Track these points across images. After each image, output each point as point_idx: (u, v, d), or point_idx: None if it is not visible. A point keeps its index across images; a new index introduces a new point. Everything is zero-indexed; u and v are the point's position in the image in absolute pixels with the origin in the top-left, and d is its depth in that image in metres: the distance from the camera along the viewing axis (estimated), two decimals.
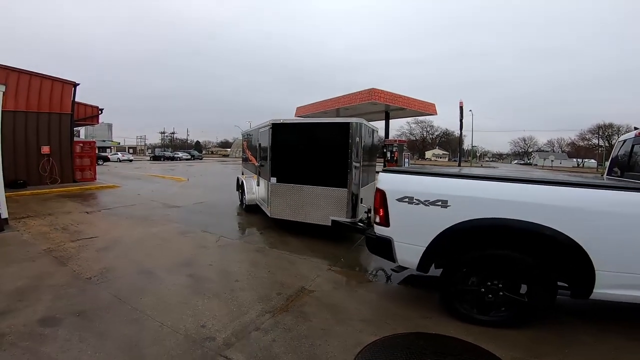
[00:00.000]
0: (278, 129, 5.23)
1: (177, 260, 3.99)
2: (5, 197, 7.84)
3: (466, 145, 50.21)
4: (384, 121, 23.75)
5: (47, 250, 4.31)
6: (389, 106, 20.90)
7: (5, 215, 5.45)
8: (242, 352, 2.18)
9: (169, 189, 11.03)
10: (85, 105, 13.82)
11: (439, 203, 2.54)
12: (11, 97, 9.11)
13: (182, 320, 2.58)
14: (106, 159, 31.63)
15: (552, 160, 54.38)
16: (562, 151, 69.59)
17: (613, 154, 4.28)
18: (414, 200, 2.64)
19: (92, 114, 14.00)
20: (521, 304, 2.50)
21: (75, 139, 15.85)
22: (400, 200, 2.71)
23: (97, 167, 13.06)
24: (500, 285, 2.55)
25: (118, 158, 35.18)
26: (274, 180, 5.31)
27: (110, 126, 73.79)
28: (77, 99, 11.19)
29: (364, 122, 4.93)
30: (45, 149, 9.84)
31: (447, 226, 2.53)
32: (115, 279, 3.40)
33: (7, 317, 2.55)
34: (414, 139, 74.65)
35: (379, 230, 2.93)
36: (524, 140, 78.18)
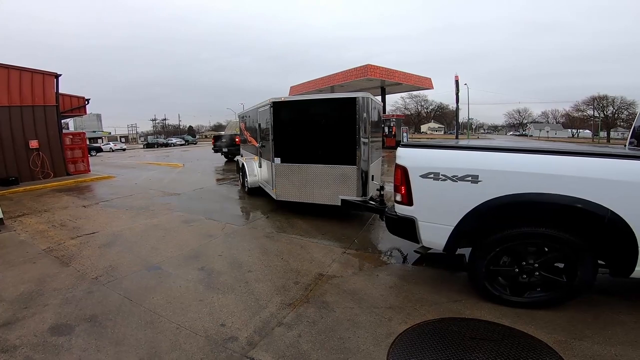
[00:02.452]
0: (279, 107, 4.92)
1: (185, 253, 3.81)
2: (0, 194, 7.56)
3: (462, 118, 49.74)
4: (380, 97, 23.17)
5: (47, 250, 4.10)
6: (384, 81, 20.35)
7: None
8: (268, 352, 2.03)
9: (165, 176, 10.73)
10: (71, 96, 13.19)
11: (469, 178, 2.33)
12: None
13: (199, 320, 2.42)
14: (99, 150, 31.08)
15: (547, 132, 54.26)
16: (557, 122, 69.58)
17: (635, 124, 4.06)
18: (440, 177, 2.43)
19: (78, 105, 13.41)
20: (560, 284, 2.36)
21: (65, 131, 15.33)
22: (424, 176, 2.50)
23: (91, 159, 12.69)
24: (537, 265, 2.39)
25: (110, 148, 34.51)
26: (278, 160, 5.07)
27: (99, 116, 71.76)
28: (62, 91, 10.66)
29: (371, 96, 4.63)
30: (34, 143, 9.43)
31: (479, 203, 2.34)
32: (123, 277, 3.22)
33: (15, 328, 2.38)
34: (409, 113, 73.72)
35: (401, 209, 2.74)
36: (519, 112, 77.97)
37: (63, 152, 10.29)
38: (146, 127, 76.16)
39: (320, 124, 4.71)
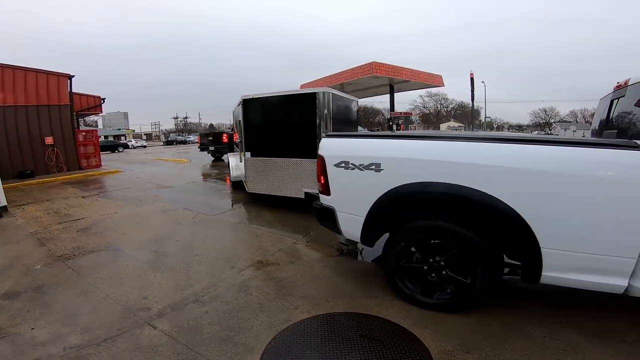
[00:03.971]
0: (248, 104, 5.17)
1: (149, 237, 4.13)
2: (13, 186, 8.32)
3: (482, 117, 48.13)
4: (389, 95, 22.96)
5: (33, 232, 4.56)
6: (392, 79, 20.13)
7: (3, 203, 5.77)
8: (169, 322, 2.25)
9: (168, 170, 11.32)
10: (87, 95, 14.18)
11: (373, 167, 2.33)
12: (9, 93, 9.44)
13: (127, 293, 2.70)
14: (126, 146, 32.64)
15: (573, 131, 51.39)
16: (586, 121, 65.66)
17: (595, 114, 3.95)
18: (350, 165, 2.46)
19: (94, 104, 14.37)
20: (464, 285, 2.20)
21: (84, 128, 16.36)
22: (337, 165, 2.57)
23: (112, 154, 13.43)
24: (442, 263, 2.26)
25: (132, 145, 36.20)
26: (248, 155, 5.33)
27: (126, 115, 75.54)
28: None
29: (334, 91, 4.78)
30: (49, 140, 10.23)
31: (382, 192, 2.29)
32: (83, 255, 3.58)
33: None
34: (428, 112, 72.20)
35: (323, 199, 2.82)
36: (545, 111, 74.12)
37: (76, 148, 11.07)
38: (169, 124, 79.32)
39: (284, 119, 4.92)
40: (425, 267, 2.32)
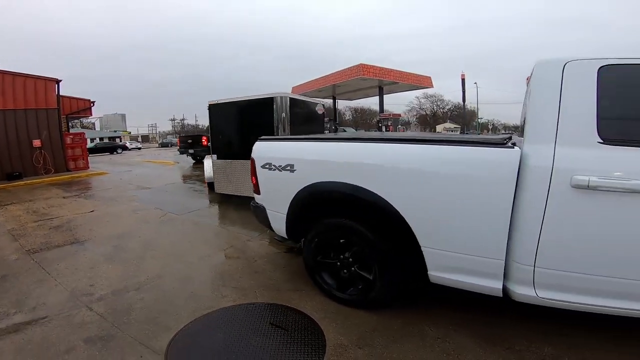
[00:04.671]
0: (213, 108, 5.49)
1: (113, 234, 4.44)
2: (1, 188, 8.61)
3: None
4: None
5: (10, 229, 4.87)
6: (381, 81, 20.46)
7: None
8: (106, 305, 2.54)
9: (152, 172, 11.63)
10: (78, 99, 14.47)
11: (288, 167, 2.55)
12: None
13: (77, 281, 3.00)
14: (125, 148, 33.13)
15: None
16: None
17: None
18: (272, 167, 2.71)
19: (84, 107, 14.66)
20: (369, 282, 2.26)
21: (74, 130, 16.66)
22: (263, 167, 2.83)
23: (108, 157, 13.62)
24: (351, 260, 2.35)
25: (128, 147, 36.59)
26: (214, 157, 5.64)
27: (123, 116, 75.98)
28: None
29: (292, 95, 5.10)
30: (37, 143, 10.54)
31: (296, 191, 2.48)
32: (48, 250, 3.88)
33: None
34: (424, 113, 72.62)
35: (256, 198, 3.09)
36: None
37: (64, 150, 11.39)
38: (166, 126, 79.70)
39: (246, 123, 5.24)
40: (339, 264, 2.45)
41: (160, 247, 3.94)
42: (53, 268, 3.32)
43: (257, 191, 3.03)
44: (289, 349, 1.89)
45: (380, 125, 21.55)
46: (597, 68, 1.67)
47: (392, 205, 2.01)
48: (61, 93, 11.58)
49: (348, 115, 65.95)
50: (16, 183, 9.34)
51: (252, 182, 3.08)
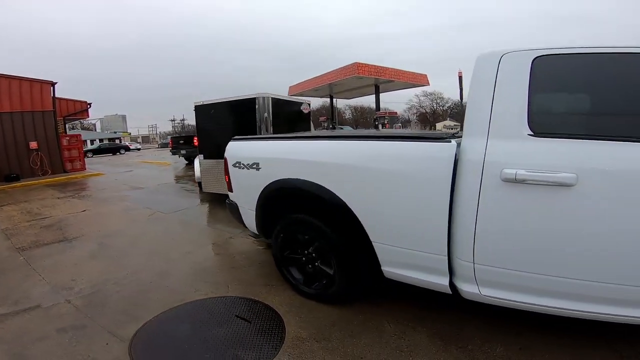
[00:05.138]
0: (199, 109, 5.63)
1: (101, 233, 4.59)
2: None
3: None
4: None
5: (3, 229, 5.02)
6: (377, 79, 20.48)
7: None
8: (83, 298, 2.68)
9: (147, 173, 11.80)
10: (74, 101, 14.64)
11: (255, 166, 2.66)
12: None
13: (60, 276, 3.15)
14: (127, 149, 33.71)
15: None
16: None
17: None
18: (241, 165, 2.81)
19: (81, 109, 14.84)
20: (331, 277, 2.30)
21: (75, 132, 16.82)
22: (234, 165, 2.95)
23: (109, 157, 13.64)
24: (314, 255, 2.40)
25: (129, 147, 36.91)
26: (201, 157, 5.77)
27: (124, 117, 76.39)
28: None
29: (274, 95, 5.22)
30: (33, 145, 10.72)
31: (261, 189, 2.57)
32: (37, 248, 4.03)
33: None
34: (424, 111, 72.52)
35: (230, 196, 3.22)
36: None
37: (60, 151, 11.56)
38: (167, 127, 79.98)
39: (229, 123, 5.36)
40: (304, 259, 2.49)
41: (144, 244, 4.08)
42: (39, 265, 3.47)
43: (230, 189, 3.16)
44: (249, 340, 2.00)
45: (376, 123, 21.59)
46: (532, 59, 1.62)
47: (342, 200, 2.04)
48: (60, 95, 11.78)
49: (348, 114, 65.95)
50: (13, 184, 9.52)
51: (226, 180, 3.21)
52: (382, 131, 3.25)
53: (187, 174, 10.90)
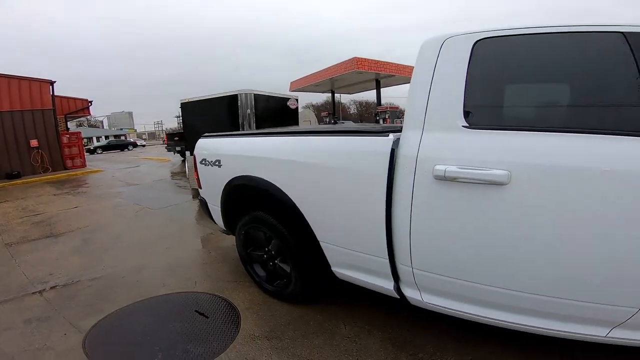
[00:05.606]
0: (185, 106, 5.70)
1: (87, 228, 4.71)
2: None
3: None
4: (375, 90, 23.22)
5: None
6: (378, 74, 20.38)
7: None
8: (56, 292, 2.78)
9: (145, 169, 11.96)
10: (75, 99, 14.85)
11: (217, 163, 2.67)
12: None
13: (40, 270, 3.26)
14: (135, 145, 34.41)
15: None
16: None
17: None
18: (207, 162, 2.83)
19: (82, 107, 15.05)
20: (288, 275, 2.29)
21: (81, 129, 17.02)
22: (201, 162, 2.95)
23: (118, 154, 13.72)
24: (273, 252, 2.37)
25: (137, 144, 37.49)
26: (188, 154, 5.85)
27: (131, 114, 77.21)
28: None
29: (257, 91, 5.27)
30: (34, 142, 10.94)
31: (223, 186, 2.57)
32: (24, 243, 4.17)
33: None
34: None
35: (200, 192, 3.21)
36: None
37: (61, 149, 11.78)
38: (172, 123, 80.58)
39: (213, 119, 5.43)
40: (265, 256, 2.46)
41: (127, 240, 4.17)
42: (23, 259, 3.59)
43: (199, 185, 3.20)
44: (202, 335, 2.06)
45: (377, 118, 21.49)
46: (472, 43, 1.46)
47: (289, 198, 1.99)
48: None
49: (353, 109, 65.66)
50: (14, 182, 9.75)
51: (195, 176, 3.24)
52: (335, 126, 3.16)
53: (183, 171, 11.03)
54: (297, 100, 6.56)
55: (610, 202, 1.15)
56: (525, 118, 1.51)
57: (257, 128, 5.21)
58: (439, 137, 1.46)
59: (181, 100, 5.74)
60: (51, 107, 11.43)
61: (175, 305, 2.46)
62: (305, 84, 24.60)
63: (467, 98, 1.42)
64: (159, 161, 14.99)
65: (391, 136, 1.57)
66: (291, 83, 27.86)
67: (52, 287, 2.88)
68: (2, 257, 3.70)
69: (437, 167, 1.40)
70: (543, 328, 1.37)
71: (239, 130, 5.10)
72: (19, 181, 9.87)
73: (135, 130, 56.16)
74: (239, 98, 5.02)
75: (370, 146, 1.63)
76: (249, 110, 5.08)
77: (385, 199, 1.56)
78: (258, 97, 5.26)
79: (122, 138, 40.24)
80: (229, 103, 5.12)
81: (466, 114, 1.42)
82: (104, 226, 4.79)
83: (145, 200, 6.39)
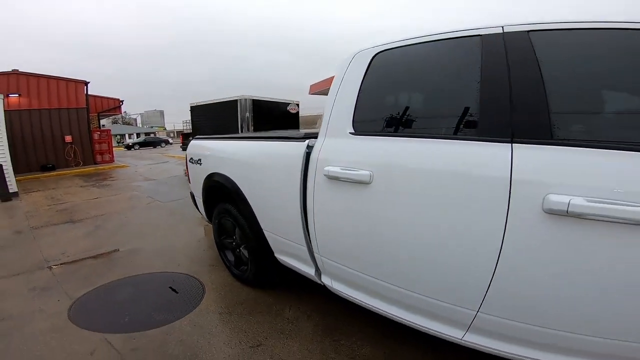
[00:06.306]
0: (193, 110, 6.19)
1: (102, 216, 5.26)
2: (35, 177, 10.00)
3: None
4: None
5: (26, 212, 5.88)
6: None
7: (14, 189, 7.27)
8: (63, 267, 3.24)
9: (165, 166, 12.75)
10: (108, 98, 16.01)
11: (199, 161, 3.05)
12: (35, 98, 11.24)
13: (54, 250, 3.77)
14: (167, 142, 36.82)
15: None
16: None
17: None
18: (193, 160, 3.23)
19: (114, 106, 16.21)
20: (247, 261, 2.57)
21: (106, 127, 18.28)
22: (189, 160, 3.41)
23: (151, 151, 14.44)
24: (238, 240, 2.64)
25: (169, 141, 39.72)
26: None
27: (162, 113, 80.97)
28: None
29: (255, 97, 5.64)
30: (68, 138, 12.00)
31: (203, 181, 2.93)
32: (46, 227, 4.76)
33: None
34: None
35: (190, 187, 3.65)
36: None
37: (92, 145, 12.81)
38: None
39: (216, 121, 5.87)
40: (234, 244, 2.75)
41: (132, 227, 4.66)
42: (42, 240, 4.14)
43: (189, 180, 3.61)
44: (168, 306, 2.40)
45: None
46: (372, 56, 1.63)
47: (242, 192, 2.30)
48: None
49: None
50: (48, 174, 10.77)
51: (186, 173, 3.66)
52: (276, 132, 3.45)
53: None
54: (297, 105, 6.88)
55: (447, 201, 1.23)
56: (389, 125, 1.63)
57: (255, 131, 5.59)
58: (334, 142, 1.69)
59: (191, 103, 6.24)
60: (85, 106, 12.48)
61: (154, 282, 2.83)
62: (324, 87, 24.96)
63: (357, 107, 1.62)
64: (179, 159, 15.86)
65: (307, 142, 1.82)
66: (310, 86, 28.31)
67: (61, 264, 3.36)
68: (25, 238, 4.29)
69: (326, 168, 1.63)
70: (412, 322, 1.45)
71: (238, 132, 5.50)
72: (52, 173, 10.88)
73: (165, 129, 59.03)
74: (239, 103, 5.42)
75: (291, 150, 1.90)
76: (247, 114, 5.47)
77: (300, 194, 1.82)
78: (257, 103, 5.64)
79: (152, 135, 42.55)
80: (230, 107, 5.54)
81: (354, 122, 1.63)
82: (116, 215, 5.34)
83: (158, 194, 6.95)
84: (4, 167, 6.85)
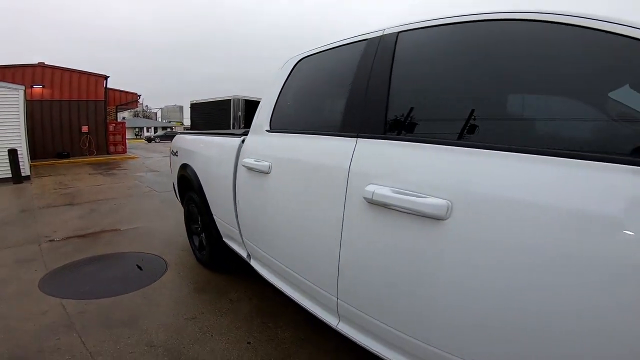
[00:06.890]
0: (193, 107, 6.55)
1: (100, 201, 5.66)
2: (49, 163, 10.64)
3: None
4: None
5: (34, 194, 6.38)
6: None
7: (27, 173, 7.84)
8: (51, 243, 3.59)
9: None
10: (126, 92, 16.76)
11: (176, 153, 3.37)
12: (57, 89, 11.96)
13: (48, 228, 4.14)
14: None
15: None
16: None
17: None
18: (173, 152, 3.54)
19: (132, 99, 16.95)
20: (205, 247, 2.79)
21: (137, 119, 18.98)
22: (172, 153, 3.72)
23: (167, 144, 15.07)
24: (201, 226, 2.81)
25: None
26: None
27: (181, 108, 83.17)
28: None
29: (248, 97, 5.94)
30: (84, 128, 12.70)
31: (177, 171, 3.22)
32: (47, 208, 5.18)
33: None
34: None
35: (172, 177, 4.01)
36: None
37: (106, 136, 13.49)
38: None
39: (212, 120, 6.20)
40: (199, 229, 2.93)
41: (124, 212, 5.01)
42: (41, 220, 4.54)
43: (171, 171, 3.91)
44: (128, 280, 2.66)
45: None
46: (297, 61, 1.81)
47: (200, 180, 2.56)
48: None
49: None
50: (62, 161, 11.45)
51: (170, 166, 3.97)
52: (232, 130, 3.75)
53: None
54: None
55: (312, 190, 1.40)
56: (291, 123, 1.83)
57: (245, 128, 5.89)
58: (255, 138, 1.94)
59: (191, 101, 6.61)
60: (103, 99, 13.18)
61: (125, 259, 3.13)
62: None
63: (275, 108, 1.86)
64: None
65: (242, 137, 2.07)
66: None
67: (50, 240, 3.71)
68: (27, 217, 4.70)
69: (244, 159, 1.87)
70: (306, 306, 1.54)
71: (231, 128, 5.80)
72: (66, 160, 11.55)
73: (182, 124, 60.72)
74: (232, 102, 5.73)
75: (229, 144, 2.18)
76: (239, 113, 5.78)
77: (232, 183, 2.05)
78: (249, 102, 5.94)
79: (169, 129, 43.88)
80: (224, 106, 5.86)
81: (271, 121, 1.85)
82: (113, 200, 5.72)
83: (156, 184, 7.35)
84: (18, 152, 7.41)
